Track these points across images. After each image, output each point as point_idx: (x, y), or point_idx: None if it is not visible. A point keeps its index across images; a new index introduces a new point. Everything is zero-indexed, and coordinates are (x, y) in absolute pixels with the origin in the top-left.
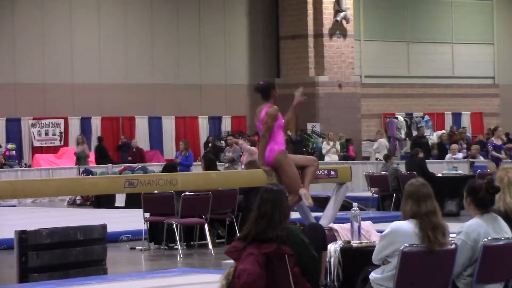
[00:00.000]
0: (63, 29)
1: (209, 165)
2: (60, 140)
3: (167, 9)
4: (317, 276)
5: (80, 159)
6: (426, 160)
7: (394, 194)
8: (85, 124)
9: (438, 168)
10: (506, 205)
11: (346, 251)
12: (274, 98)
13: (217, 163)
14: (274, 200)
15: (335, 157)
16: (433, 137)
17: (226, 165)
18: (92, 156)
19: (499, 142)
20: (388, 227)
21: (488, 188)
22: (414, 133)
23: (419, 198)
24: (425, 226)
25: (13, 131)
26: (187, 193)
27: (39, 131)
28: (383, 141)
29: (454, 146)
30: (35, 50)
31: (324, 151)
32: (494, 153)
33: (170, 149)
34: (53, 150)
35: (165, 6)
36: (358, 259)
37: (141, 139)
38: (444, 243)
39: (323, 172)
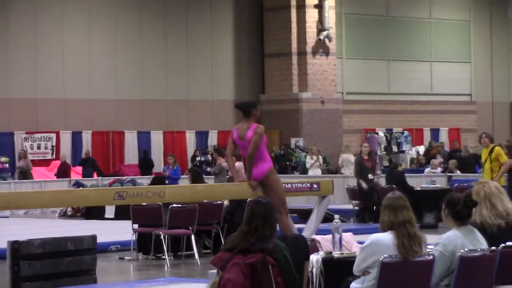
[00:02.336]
0: (55, 46)
1: (195, 178)
2: (52, 154)
3: (156, 27)
4: None
5: (25, 173)
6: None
7: (375, 207)
8: (76, 138)
9: (416, 182)
10: (482, 217)
11: (328, 262)
12: (255, 117)
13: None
14: (265, 215)
15: (318, 171)
16: (411, 152)
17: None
18: (79, 169)
19: None
20: (368, 239)
21: (466, 202)
22: (394, 148)
23: (396, 209)
24: (402, 235)
25: (6, 145)
26: (174, 205)
27: (31, 144)
28: (345, 156)
29: (435, 161)
30: (28, 65)
31: (308, 165)
32: None
33: (158, 163)
34: (45, 163)
35: (153, 25)
36: (339, 270)
37: (130, 153)
38: (420, 253)
39: (306, 185)
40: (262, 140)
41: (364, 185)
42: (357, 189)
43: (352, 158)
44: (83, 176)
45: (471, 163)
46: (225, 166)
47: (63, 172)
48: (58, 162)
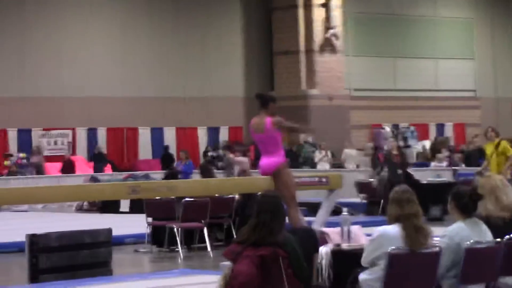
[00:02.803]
0: (73, 44)
1: (203, 173)
2: (68, 150)
3: (170, 27)
4: (305, 282)
5: (39, 168)
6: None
7: (382, 200)
8: (91, 135)
9: (423, 175)
10: (487, 211)
11: (337, 253)
12: (272, 111)
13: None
14: (274, 209)
15: (326, 166)
16: (418, 147)
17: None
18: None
19: None
20: (375, 231)
21: (472, 195)
22: (400, 142)
23: (402, 202)
24: (408, 227)
25: (25, 141)
26: (187, 199)
27: (48, 141)
28: (348, 151)
29: (440, 155)
30: (44, 64)
31: (316, 160)
32: None
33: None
34: (62, 159)
35: (166, 24)
36: (347, 261)
37: (144, 149)
38: (426, 245)
39: (315, 179)
40: (280, 130)
41: (374, 181)
42: (364, 183)
43: (354, 152)
44: (94, 171)
45: (475, 157)
46: (232, 160)
47: (68, 168)
48: (74, 158)
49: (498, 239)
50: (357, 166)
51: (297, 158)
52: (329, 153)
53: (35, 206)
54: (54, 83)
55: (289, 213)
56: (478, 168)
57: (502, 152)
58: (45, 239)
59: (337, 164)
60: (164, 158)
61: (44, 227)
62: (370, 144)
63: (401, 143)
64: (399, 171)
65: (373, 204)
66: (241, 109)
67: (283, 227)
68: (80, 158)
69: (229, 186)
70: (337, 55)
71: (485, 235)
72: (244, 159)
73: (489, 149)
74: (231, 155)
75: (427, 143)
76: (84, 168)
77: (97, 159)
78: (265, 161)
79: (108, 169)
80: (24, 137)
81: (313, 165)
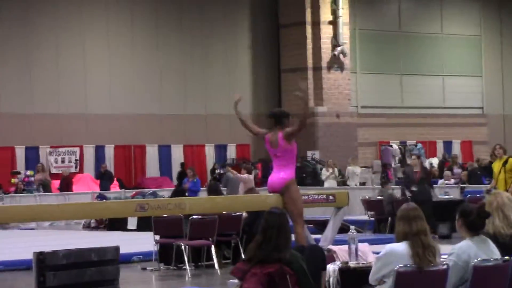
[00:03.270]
0: (77, 62)
1: (210, 193)
2: (76, 167)
3: (174, 44)
4: None
5: (45, 186)
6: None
7: (390, 218)
8: (99, 152)
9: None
10: (495, 228)
11: (344, 271)
12: (285, 128)
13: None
14: (279, 226)
15: (333, 183)
16: (425, 164)
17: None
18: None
19: None
20: (383, 249)
21: (480, 213)
22: (408, 160)
23: (410, 219)
24: (416, 245)
25: (32, 159)
26: (194, 216)
27: (56, 158)
28: (351, 168)
29: (448, 173)
30: (50, 82)
31: (323, 177)
32: None
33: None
34: (61, 175)
35: (172, 42)
36: (355, 279)
37: (152, 166)
38: (434, 263)
39: (322, 197)
40: (294, 133)
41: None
42: (372, 200)
43: (358, 170)
44: (101, 189)
45: (475, 175)
46: (231, 176)
47: (65, 186)
48: (81, 175)
49: (507, 257)
50: (363, 184)
51: (305, 175)
52: (336, 171)
53: (43, 223)
54: (61, 100)
55: (296, 231)
56: (487, 186)
57: (510, 169)
58: (53, 257)
59: (344, 181)
60: (180, 175)
61: (52, 244)
62: (378, 161)
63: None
64: (414, 188)
65: (381, 222)
66: None
67: (289, 244)
68: (88, 175)
69: (236, 203)
70: (345, 72)
71: (493, 253)
72: (250, 177)
73: (496, 166)
74: (234, 173)
75: (435, 161)
76: (91, 185)
77: (103, 177)
78: (273, 178)
79: (115, 186)
80: (32, 154)
81: (318, 182)
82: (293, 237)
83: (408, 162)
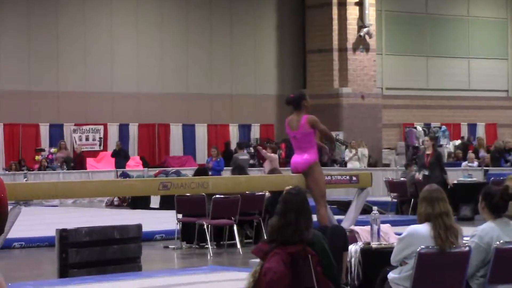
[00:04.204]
0: (104, 41)
1: (236, 171)
2: (100, 145)
3: (201, 24)
4: (334, 280)
5: (68, 163)
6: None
7: (412, 199)
8: (123, 130)
9: (454, 175)
10: None
11: (366, 252)
12: (306, 109)
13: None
14: (298, 208)
15: (357, 164)
16: (449, 146)
17: None
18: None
19: None
20: (405, 230)
21: (503, 195)
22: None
23: (433, 201)
24: (438, 227)
25: (56, 136)
26: (217, 195)
27: (80, 136)
28: (361, 150)
29: (471, 155)
30: (77, 60)
31: (347, 158)
32: None
33: (202, 155)
34: (93, 154)
35: (198, 21)
36: (377, 260)
37: (175, 145)
38: (456, 244)
39: (345, 177)
40: (316, 128)
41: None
42: (395, 182)
43: (366, 151)
44: (116, 167)
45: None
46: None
47: (78, 163)
48: (105, 153)
49: None
50: (387, 165)
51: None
52: (359, 152)
53: (66, 201)
54: (87, 79)
55: (318, 211)
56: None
57: None
58: (75, 234)
59: (370, 163)
60: (224, 154)
61: (74, 222)
62: (402, 143)
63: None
64: (424, 172)
65: (404, 203)
66: (273, 106)
67: (310, 224)
68: (111, 153)
69: (260, 183)
70: (370, 54)
71: None
72: (275, 156)
73: None
74: (264, 152)
75: (458, 143)
76: (114, 163)
77: (118, 155)
78: (296, 158)
79: (138, 164)
80: (56, 132)
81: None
82: (315, 218)
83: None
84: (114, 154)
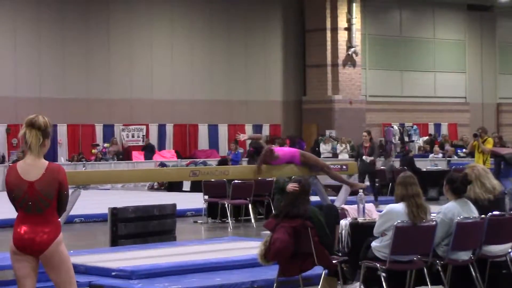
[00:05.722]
0: (146, 59)
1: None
2: (143, 141)
3: (222, 46)
4: (329, 247)
5: (118, 155)
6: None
7: (390, 184)
8: (161, 130)
9: (423, 164)
10: (475, 194)
11: (354, 226)
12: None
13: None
14: (301, 190)
15: (345, 156)
16: (419, 141)
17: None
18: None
19: None
20: (385, 208)
21: (463, 180)
22: (406, 138)
23: (406, 184)
24: (411, 205)
25: (108, 134)
26: (236, 181)
27: (127, 134)
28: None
29: (437, 148)
30: (125, 74)
31: (338, 151)
32: None
33: (224, 149)
34: (138, 148)
35: (220, 45)
36: (363, 232)
37: (202, 141)
38: (425, 219)
39: (337, 166)
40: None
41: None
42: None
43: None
44: (145, 159)
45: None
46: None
47: (126, 155)
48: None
49: (483, 216)
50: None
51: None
52: (348, 146)
53: (116, 185)
54: (132, 88)
55: (331, 175)
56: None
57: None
58: (123, 211)
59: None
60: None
61: (123, 202)
62: (382, 139)
63: (406, 139)
64: (364, 158)
65: (383, 187)
66: (279, 110)
67: (306, 203)
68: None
69: (270, 171)
70: (356, 68)
71: (472, 212)
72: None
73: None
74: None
75: (426, 139)
76: (154, 156)
77: (146, 149)
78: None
79: (173, 156)
80: (108, 131)
81: (335, 155)
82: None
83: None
84: (143, 148)
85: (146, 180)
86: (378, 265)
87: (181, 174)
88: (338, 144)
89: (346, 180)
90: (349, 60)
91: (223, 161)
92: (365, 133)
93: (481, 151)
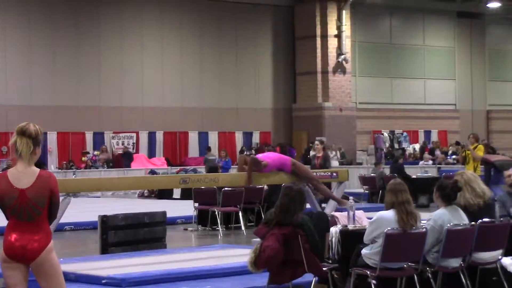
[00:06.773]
0: (136, 67)
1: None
2: (133, 149)
3: (213, 55)
4: (319, 255)
5: (108, 162)
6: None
7: (380, 191)
8: (151, 137)
9: (413, 171)
10: (465, 200)
11: (344, 233)
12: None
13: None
14: (294, 197)
15: (336, 163)
16: (409, 149)
17: None
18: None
19: None
20: (375, 215)
21: (453, 187)
22: (396, 145)
23: (396, 191)
24: (401, 212)
25: (98, 142)
26: (226, 188)
27: (117, 141)
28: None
29: (427, 156)
30: (115, 82)
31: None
32: None
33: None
34: (112, 155)
35: (211, 53)
36: (353, 239)
37: (193, 148)
38: (415, 226)
39: (327, 173)
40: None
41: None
42: (367, 177)
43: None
44: (123, 166)
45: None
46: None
47: (116, 163)
48: (137, 155)
49: (473, 223)
50: (359, 163)
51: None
52: (338, 153)
53: (106, 193)
54: (122, 95)
55: (319, 189)
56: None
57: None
58: (113, 219)
59: (347, 161)
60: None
61: (113, 209)
62: (372, 146)
63: (396, 146)
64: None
65: (374, 194)
66: (269, 117)
67: (300, 210)
68: (142, 155)
69: (259, 178)
70: (346, 76)
71: (462, 219)
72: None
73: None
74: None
75: (417, 146)
76: (144, 163)
77: (124, 157)
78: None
79: (163, 164)
80: (98, 138)
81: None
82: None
83: (396, 147)
84: (122, 155)
85: (136, 188)
86: (368, 272)
87: (171, 181)
88: (328, 151)
89: (334, 196)
90: (339, 67)
91: (213, 169)
92: (317, 142)
93: (472, 158)
